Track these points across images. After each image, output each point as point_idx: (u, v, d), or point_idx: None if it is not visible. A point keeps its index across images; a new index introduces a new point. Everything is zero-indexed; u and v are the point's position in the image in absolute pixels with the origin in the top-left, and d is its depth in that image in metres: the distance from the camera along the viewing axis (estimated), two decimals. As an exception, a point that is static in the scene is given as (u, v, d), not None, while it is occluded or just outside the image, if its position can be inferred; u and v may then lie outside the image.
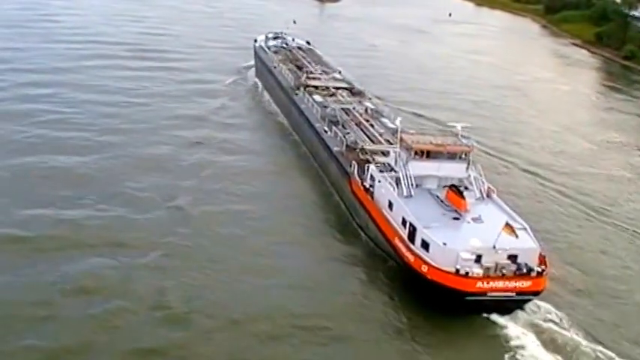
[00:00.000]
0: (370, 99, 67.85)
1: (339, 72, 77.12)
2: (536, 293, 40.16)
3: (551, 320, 39.79)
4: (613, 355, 36.89)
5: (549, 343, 37.64)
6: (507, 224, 40.49)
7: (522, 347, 37.27)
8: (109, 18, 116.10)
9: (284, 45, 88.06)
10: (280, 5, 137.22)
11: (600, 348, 37.35)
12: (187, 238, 44.19)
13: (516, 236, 39.90)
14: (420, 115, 75.77)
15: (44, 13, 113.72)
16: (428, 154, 47.15)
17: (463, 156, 47.59)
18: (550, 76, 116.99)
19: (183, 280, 39.44)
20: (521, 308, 40.29)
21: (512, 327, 38.97)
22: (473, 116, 75.00)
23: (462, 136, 49.08)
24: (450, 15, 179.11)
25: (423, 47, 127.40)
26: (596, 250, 50.58)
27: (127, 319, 35.32)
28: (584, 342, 37.81)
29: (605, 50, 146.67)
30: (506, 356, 36.65)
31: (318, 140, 58.95)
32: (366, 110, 63.67)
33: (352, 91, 70.19)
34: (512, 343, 37.72)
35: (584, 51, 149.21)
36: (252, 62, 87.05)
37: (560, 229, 53.13)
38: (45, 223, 43.89)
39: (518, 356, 36.66)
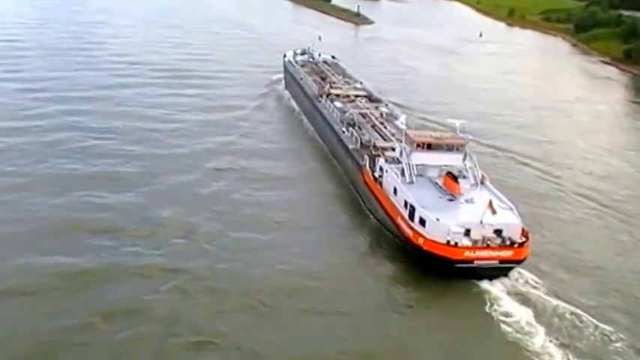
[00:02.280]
0: (387, 105, 76.51)
1: (361, 82, 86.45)
2: (517, 262, 48.03)
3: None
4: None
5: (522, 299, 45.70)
6: (491, 204, 48.54)
7: (500, 301, 45.19)
8: (154, 45, 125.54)
9: (310, 59, 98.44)
10: (317, 29, 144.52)
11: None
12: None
13: (494, 212, 47.87)
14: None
15: (91, 41, 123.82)
16: (429, 146, 55.64)
17: (460, 148, 55.86)
18: (584, 95, 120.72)
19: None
20: (506, 275, 48.06)
21: (495, 289, 46.81)
22: (519, 140, 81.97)
23: (460, 131, 57.30)
24: (480, 35, 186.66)
25: (460, 69, 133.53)
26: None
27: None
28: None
29: (635, 67, 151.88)
30: (485, 307, 44.58)
31: (337, 140, 67.97)
32: (381, 114, 72.41)
33: (370, 98, 79.43)
34: (493, 300, 45.59)
35: (613, 68, 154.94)
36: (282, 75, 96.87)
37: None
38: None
39: (495, 309, 44.48)
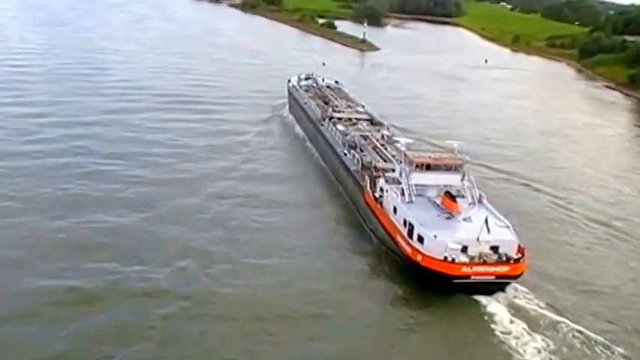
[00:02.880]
0: (388, 128, 78.69)
1: (363, 106, 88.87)
2: (513, 277, 49.74)
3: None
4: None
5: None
6: (487, 221, 50.43)
7: (495, 316, 47.02)
8: (159, 71, 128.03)
9: (314, 84, 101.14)
10: (324, 56, 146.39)
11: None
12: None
13: (488, 230, 49.75)
14: (483, 165, 79.95)
15: (97, 67, 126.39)
16: (428, 167, 57.65)
17: (458, 168, 57.88)
18: (591, 120, 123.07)
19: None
20: (503, 290, 49.70)
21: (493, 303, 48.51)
22: (529, 166, 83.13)
23: (457, 152, 59.35)
24: (486, 61, 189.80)
25: (468, 95, 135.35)
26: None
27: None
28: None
29: (639, 92, 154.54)
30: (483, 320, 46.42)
31: (339, 162, 70.12)
32: (382, 137, 74.53)
33: (372, 122, 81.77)
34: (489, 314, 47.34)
35: (617, 93, 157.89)
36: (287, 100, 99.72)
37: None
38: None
39: (492, 322, 46.26)
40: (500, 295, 49.20)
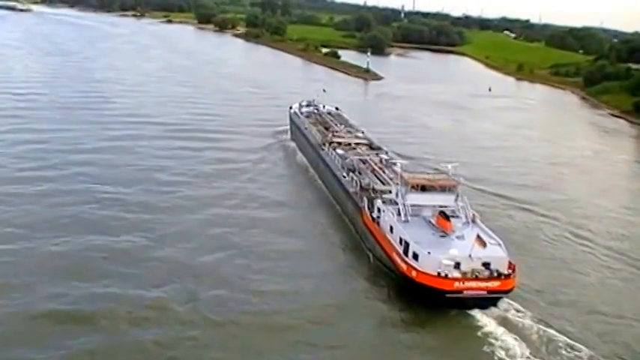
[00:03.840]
0: (386, 152, 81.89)
1: (362, 132, 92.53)
2: (504, 292, 52.47)
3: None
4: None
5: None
6: (478, 237, 53.36)
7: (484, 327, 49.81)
8: (164, 101, 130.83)
9: (315, 110, 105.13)
10: (327, 86, 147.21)
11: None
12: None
13: (484, 246, 52.66)
14: (498, 195, 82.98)
15: (101, 97, 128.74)
16: (423, 188, 60.77)
17: (452, 189, 60.99)
18: (598, 149, 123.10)
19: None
20: (495, 305, 52.43)
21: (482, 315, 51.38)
22: (542, 199, 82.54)
23: (452, 173, 62.51)
24: (489, 90, 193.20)
25: (475, 125, 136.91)
26: None
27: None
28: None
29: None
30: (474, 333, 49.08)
31: (338, 185, 73.35)
32: (380, 160, 77.69)
33: (371, 146, 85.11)
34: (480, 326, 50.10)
35: (622, 121, 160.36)
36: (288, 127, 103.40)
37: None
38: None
39: (483, 334, 49.03)
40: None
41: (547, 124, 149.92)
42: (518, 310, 52.55)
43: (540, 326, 50.41)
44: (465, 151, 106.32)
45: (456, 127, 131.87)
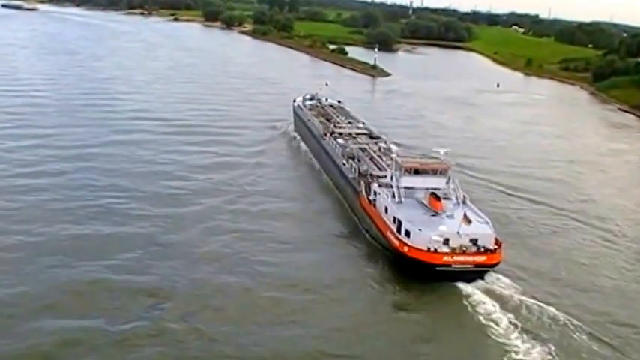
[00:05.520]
0: (385, 142, 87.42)
1: (363, 123, 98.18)
2: (490, 266, 57.96)
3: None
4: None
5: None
6: (465, 216, 58.84)
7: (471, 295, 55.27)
8: (172, 100, 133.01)
9: (317, 103, 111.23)
10: (335, 82, 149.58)
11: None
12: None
13: (469, 223, 58.09)
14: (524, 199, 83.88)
15: (108, 96, 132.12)
16: (416, 171, 66.37)
17: (444, 172, 66.55)
18: (615, 147, 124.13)
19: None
20: (482, 278, 57.82)
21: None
22: (561, 201, 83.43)
23: (443, 157, 68.07)
24: (498, 85, 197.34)
25: (487, 122, 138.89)
26: None
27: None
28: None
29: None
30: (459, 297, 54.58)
31: (339, 172, 79.14)
32: (379, 149, 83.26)
33: (371, 136, 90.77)
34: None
35: (631, 116, 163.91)
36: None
37: None
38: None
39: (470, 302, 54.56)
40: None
41: (558, 120, 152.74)
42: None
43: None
44: (483, 150, 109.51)
45: (468, 125, 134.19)
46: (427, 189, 65.82)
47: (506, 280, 58.19)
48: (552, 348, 48.34)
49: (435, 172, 66.68)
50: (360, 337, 48.82)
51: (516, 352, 47.99)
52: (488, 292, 56.09)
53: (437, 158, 68.91)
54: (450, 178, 66.88)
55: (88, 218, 66.14)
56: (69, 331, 46.46)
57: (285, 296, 53.57)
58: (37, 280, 53.00)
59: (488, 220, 61.56)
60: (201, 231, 65.32)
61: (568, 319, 52.12)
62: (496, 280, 58.07)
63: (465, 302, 55.03)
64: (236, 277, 56.17)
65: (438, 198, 63.71)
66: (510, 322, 51.45)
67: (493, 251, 58.09)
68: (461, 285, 56.90)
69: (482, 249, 58.23)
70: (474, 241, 58.56)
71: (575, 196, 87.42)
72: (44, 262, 55.93)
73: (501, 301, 54.78)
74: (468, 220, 58.45)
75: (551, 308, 53.62)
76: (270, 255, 60.93)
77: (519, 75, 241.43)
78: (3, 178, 76.58)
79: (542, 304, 54.09)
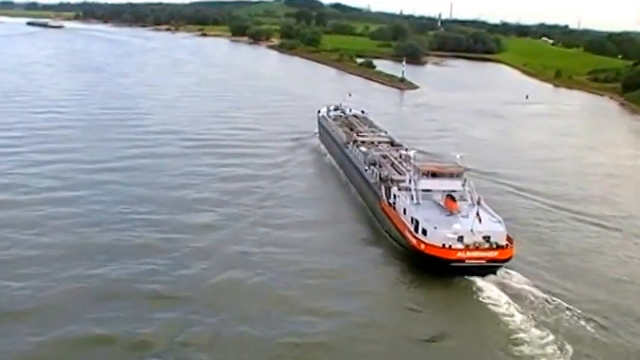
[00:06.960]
0: (407, 149, 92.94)
1: (385, 132, 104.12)
2: (502, 261, 63.14)
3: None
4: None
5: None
6: (477, 214, 64.20)
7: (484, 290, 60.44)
8: (199, 116, 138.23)
9: (342, 114, 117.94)
10: (362, 96, 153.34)
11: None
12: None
13: (480, 220, 63.44)
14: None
15: (135, 113, 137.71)
16: (433, 174, 71.87)
17: (459, 175, 72.02)
18: None
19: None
20: (494, 273, 62.98)
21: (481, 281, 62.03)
22: (602, 219, 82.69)
23: (459, 161, 73.57)
24: (527, 97, 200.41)
25: (519, 134, 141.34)
26: None
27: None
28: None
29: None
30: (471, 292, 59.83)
31: (361, 177, 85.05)
32: (400, 155, 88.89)
33: (392, 144, 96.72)
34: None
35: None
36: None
37: None
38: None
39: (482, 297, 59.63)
40: None
41: (589, 131, 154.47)
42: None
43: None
44: (518, 163, 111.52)
45: (502, 138, 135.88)
46: (444, 191, 71.30)
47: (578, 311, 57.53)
48: None
49: (451, 175, 72.11)
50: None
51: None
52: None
53: (453, 162, 74.43)
54: (465, 181, 72.25)
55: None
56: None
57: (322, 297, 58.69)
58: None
59: (501, 220, 66.74)
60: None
61: None
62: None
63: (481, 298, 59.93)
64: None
65: (453, 199, 69.19)
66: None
67: (504, 247, 63.32)
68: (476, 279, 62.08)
69: (494, 245, 63.46)
70: (487, 238, 63.80)
71: (616, 214, 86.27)
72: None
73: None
74: (479, 219, 63.82)
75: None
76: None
77: (549, 86, 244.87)
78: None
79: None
